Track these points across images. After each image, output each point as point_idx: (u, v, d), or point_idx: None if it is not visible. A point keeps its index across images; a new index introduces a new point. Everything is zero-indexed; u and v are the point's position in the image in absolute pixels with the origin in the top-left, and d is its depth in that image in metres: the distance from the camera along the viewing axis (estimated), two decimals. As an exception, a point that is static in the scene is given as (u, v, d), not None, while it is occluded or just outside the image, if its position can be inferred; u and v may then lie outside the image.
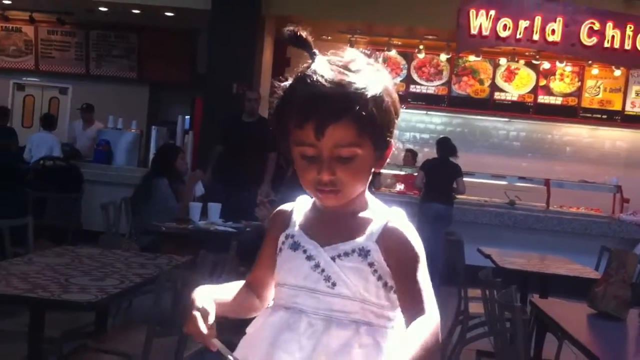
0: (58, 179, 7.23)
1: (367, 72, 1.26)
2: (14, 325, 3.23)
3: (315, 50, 1.29)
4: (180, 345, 2.81)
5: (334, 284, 1.27)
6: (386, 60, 9.80)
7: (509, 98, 9.60)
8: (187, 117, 9.47)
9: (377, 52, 9.10)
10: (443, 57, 9.51)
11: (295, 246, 1.33)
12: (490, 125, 10.07)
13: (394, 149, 1.34)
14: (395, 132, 1.31)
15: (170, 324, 2.83)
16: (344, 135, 1.21)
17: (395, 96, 1.30)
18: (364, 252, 1.28)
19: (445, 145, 7.52)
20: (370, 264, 1.27)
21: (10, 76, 10.36)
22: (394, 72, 9.74)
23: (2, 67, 10.19)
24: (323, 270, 1.29)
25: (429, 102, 9.82)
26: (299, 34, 1.29)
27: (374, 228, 1.30)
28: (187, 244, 4.51)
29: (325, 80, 1.22)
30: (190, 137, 8.68)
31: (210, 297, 1.29)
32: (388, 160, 1.32)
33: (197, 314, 1.24)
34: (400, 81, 9.69)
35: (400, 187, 8.64)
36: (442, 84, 9.78)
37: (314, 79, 1.22)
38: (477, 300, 4.47)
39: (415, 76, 9.79)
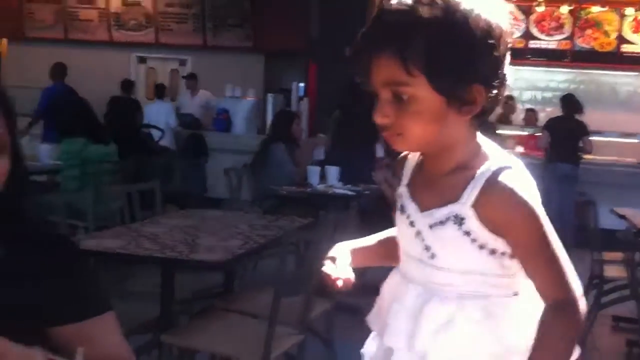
0: (183, 146, 7.48)
1: (439, 5, 1.05)
2: (145, 286, 3.36)
3: None
4: (307, 305, 2.81)
5: (433, 255, 1.16)
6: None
7: (637, 50, 8.98)
8: (301, 84, 9.51)
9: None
10: (564, 9, 9.01)
11: (402, 209, 1.22)
12: (618, 80, 9.48)
13: (491, 94, 1.10)
14: (503, 78, 1.11)
15: (295, 284, 2.83)
16: (388, 72, 1.06)
17: (496, 31, 1.08)
18: (458, 220, 1.12)
19: (570, 102, 7.14)
20: (467, 233, 1.12)
21: (132, 49, 10.74)
22: (512, 27, 9.34)
23: (124, 40, 10.58)
24: (423, 239, 1.17)
25: (550, 57, 9.35)
26: None
27: (473, 187, 1.11)
28: (306, 208, 4.54)
29: (388, 7, 1.07)
30: (305, 104, 8.71)
31: (346, 248, 1.26)
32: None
33: (327, 262, 1.21)
34: (519, 37, 9.28)
35: (520, 149, 8.32)
36: (564, 38, 9.28)
37: (382, 5, 1.09)
38: (611, 264, 4.23)
39: (534, 31, 9.33)
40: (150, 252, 2.78)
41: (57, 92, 7.56)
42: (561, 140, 7.00)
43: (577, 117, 7.04)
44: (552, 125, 7.24)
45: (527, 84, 9.69)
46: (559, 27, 9.31)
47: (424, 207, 1.17)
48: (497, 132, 7.02)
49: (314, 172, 5.08)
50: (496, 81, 1.10)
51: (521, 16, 9.31)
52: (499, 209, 1.09)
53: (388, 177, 5.33)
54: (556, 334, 1.05)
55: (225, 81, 9.34)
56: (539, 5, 8.86)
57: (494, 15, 1.09)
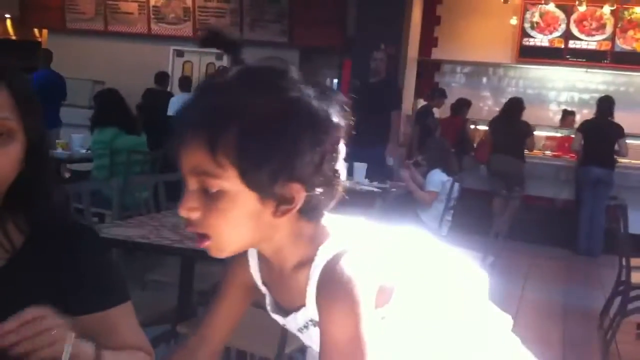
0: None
1: (261, 90, 0.93)
2: (165, 277, 3.40)
3: (241, 54, 1.04)
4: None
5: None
6: (543, 15, 9.27)
7: (681, 53, 8.77)
8: (335, 80, 9.51)
9: (533, 7, 8.60)
10: (607, 9, 8.84)
11: (270, 310, 1.13)
12: (660, 83, 9.26)
13: (313, 193, 0.95)
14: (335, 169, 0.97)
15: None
16: (195, 160, 0.92)
17: (322, 125, 0.94)
18: (315, 323, 1.02)
19: (606, 104, 7.01)
20: None
21: (170, 43, 10.85)
22: (552, 26, 9.19)
23: (162, 34, 10.70)
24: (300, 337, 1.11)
25: (589, 58, 9.19)
26: (215, 33, 1.05)
27: (312, 286, 0.99)
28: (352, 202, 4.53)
29: (207, 85, 0.98)
30: (339, 100, 8.70)
31: None
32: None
33: None
34: (558, 37, 9.13)
35: (550, 152, 8.19)
36: (605, 39, 9.11)
37: (202, 82, 1.00)
38: (639, 270, 4.16)
39: (575, 31, 9.19)
40: (171, 242, 2.81)
41: (44, 78, 7.66)
42: (595, 143, 6.88)
43: (613, 119, 6.91)
44: (585, 127, 7.12)
45: (565, 84, 9.54)
46: (600, 28, 9.14)
47: (284, 311, 1.08)
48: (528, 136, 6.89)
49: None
50: (320, 179, 0.95)
51: (562, 16, 9.17)
52: (325, 298, 0.95)
53: (414, 175, 5.32)
54: None
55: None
56: (580, 4, 8.71)
57: (322, 106, 0.95)
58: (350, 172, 5.08)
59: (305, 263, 0.99)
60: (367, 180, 5.07)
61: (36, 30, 11.57)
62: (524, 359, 1.18)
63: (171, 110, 7.78)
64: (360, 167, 5.09)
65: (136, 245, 2.83)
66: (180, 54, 11.10)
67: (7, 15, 12.02)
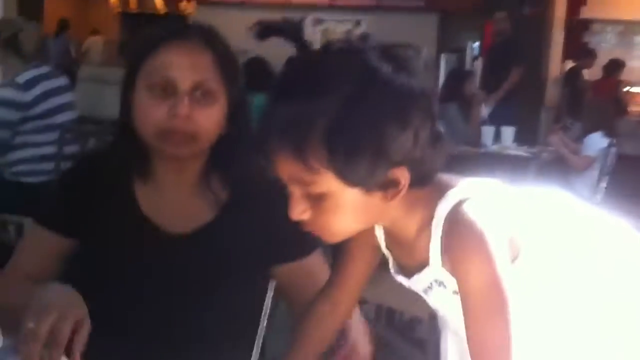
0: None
1: (335, 84, 0.88)
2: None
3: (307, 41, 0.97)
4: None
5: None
6: None
7: None
8: (476, 43, 9.25)
9: None
10: None
11: (394, 271, 1.11)
12: None
13: (419, 167, 0.92)
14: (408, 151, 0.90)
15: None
16: (290, 171, 0.91)
17: (409, 104, 0.89)
18: (439, 283, 1.00)
19: None
20: (455, 292, 0.97)
21: (307, 11, 10.97)
22: None
23: (300, 2, 10.83)
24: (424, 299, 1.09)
25: None
26: (267, 25, 1.02)
27: (434, 245, 0.97)
28: (479, 169, 4.45)
29: (281, 99, 0.92)
30: (480, 63, 8.47)
31: None
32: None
33: None
34: None
35: None
36: None
37: (276, 96, 0.94)
38: None
39: None
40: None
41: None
42: None
43: None
44: None
45: None
46: None
47: (408, 272, 1.06)
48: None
49: (488, 132, 4.95)
50: (421, 152, 0.91)
51: None
52: (456, 248, 0.93)
53: (564, 139, 5.09)
54: None
55: (398, 41, 9.29)
56: None
57: (402, 81, 0.89)
58: (497, 136, 4.95)
59: (425, 224, 0.97)
60: (514, 144, 4.91)
61: (183, 4, 12.06)
62: None
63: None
64: (508, 131, 4.94)
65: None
66: (317, 22, 11.20)
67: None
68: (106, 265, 1.21)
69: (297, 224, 1.22)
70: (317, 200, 0.92)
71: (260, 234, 1.24)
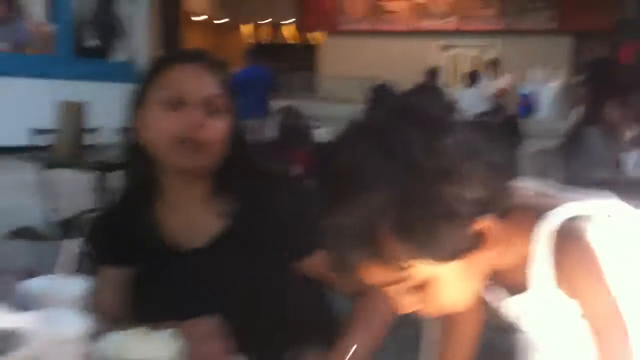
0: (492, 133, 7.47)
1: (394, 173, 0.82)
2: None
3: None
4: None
5: None
6: None
7: None
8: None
9: None
10: None
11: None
12: None
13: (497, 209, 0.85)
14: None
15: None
16: (379, 275, 0.87)
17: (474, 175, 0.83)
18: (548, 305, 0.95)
19: None
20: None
21: (435, 38, 11.00)
22: None
23: (428, 29, 10.88)
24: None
25: None
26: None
27: (538, 262, 0.91)
28: (618, 196, 4.26)
29: (339, 220, 0.85)
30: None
31: None
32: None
33: None
34: None
35: None
36: None
37: (333, 218, 0.88)
38: None
39: None
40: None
41: (251, 72, 8.03)
42: None
43: None
44: None
45: None
46: None
47: (507, 289, 1.00)
48: None
49: (629, 157, 4.75)
50: (490, 194, 0.85)
51: None
52: (570, 270, 0.88)
53: None
54: None
55: (527, 65, 9.12)
56: None
57: (444, 150, 0.83)
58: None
59: (522, 255, 0.91)
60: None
61: (311, 34, 12.45)
62: None
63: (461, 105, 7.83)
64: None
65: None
66: (445, 48, 11.19)
67: (284, 22, 13.06)
68: (140, 289, 1.28)
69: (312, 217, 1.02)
70: (422, 290, 0.87)
71: (277, 235, 1.26)
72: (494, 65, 9.36)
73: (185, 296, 1.16)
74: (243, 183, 1.29)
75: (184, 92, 1.23)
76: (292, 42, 13.11)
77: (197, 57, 1.30)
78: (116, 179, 4.96)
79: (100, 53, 8.95)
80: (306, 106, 8.22)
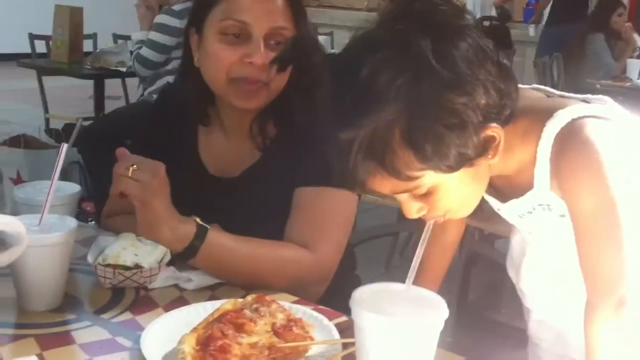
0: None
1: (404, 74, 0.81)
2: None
3: None
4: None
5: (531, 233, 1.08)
6: None
7: None
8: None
9: None
10: None
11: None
12: None
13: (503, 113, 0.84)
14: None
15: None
16: (389, 186, 0.86)
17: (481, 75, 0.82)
18: (545, 206, 0.96)
19: None
20: (562, 216, 0.94)
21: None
22: None
23: None
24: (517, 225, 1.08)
25: None
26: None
27: (542, 168, 0.92)
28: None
29: (343, 134, 0.85)
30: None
31: None
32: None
33: None
34: None
35: None
36: None
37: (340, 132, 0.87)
38: None
39: None
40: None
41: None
42: None
43: None
44: None
45: None
46: None
47: (503, 197, 1.01)
48: None
49: (634, 65, 4.68)
50: (497, 98, 0.85)
51: None
52: (565, 168, 0.88)
53: None
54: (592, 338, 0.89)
55: None
56: None
57: (449, 55, 0.82)
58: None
59: (530, 153, 0.92)
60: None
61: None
62: None
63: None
64: (635, 64, 4.64)
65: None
66: None
67: None
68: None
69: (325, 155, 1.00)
70: (429, 196, 0.89)
71: (296, 161, 1.16)
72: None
73: (205, 218, 1.07)
74: (288, 116, 1.16)
75: (246, 23, 1.10)
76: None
77: None
78: (113, 87, 4.94)
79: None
80: (310, 13, 7.98)
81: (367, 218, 2.33)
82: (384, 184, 0.85)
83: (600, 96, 0.95)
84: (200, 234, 1.01)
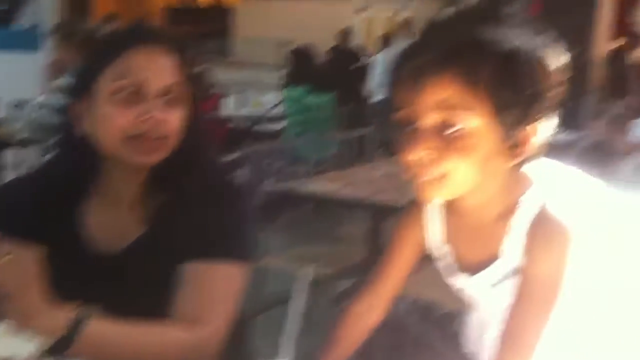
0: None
1: (514, 26, 0.95)
2: (355, 230, 3.52)
3: None
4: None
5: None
6: None
7: None
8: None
9: None
10: None
11: (444, 270, 1.15)
12: None
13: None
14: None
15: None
16: (448, 93, 0.91)
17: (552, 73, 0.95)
18: (517, 271, 1.00)
19: None
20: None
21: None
22: None
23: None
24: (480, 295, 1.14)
25: None
26: None
27: (518, 236, 0.99)
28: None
29: (448, 24, 0.98)
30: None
31: None
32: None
33: None
34: None
35: None
36: None
37: (438, 20, 1.01)
38: None
39: None
40: (362, 197, 2.88)
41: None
42: None
43: None
44: None
45: None
46: None
47: (470, 268, 1.07)
48: None
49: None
50: (543, 124, 0.96)
51: None
52: (540, 237, 0.97)
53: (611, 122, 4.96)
54: None
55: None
56: None
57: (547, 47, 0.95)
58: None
59: (506, 213, 0.99)
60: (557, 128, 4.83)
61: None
62: None
63: (380, 68, 7.85)
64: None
65: (328, 199, 2.96)
66: (360, 10, 11.13)
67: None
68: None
69: (227, 224, 1.16)
70: (451, 139, 0.91)
71: (192, 236, 1.15)
72: (408, 25, 9.36)
73: (89, 298, 1.05)
74: (180, 178, 1.17)
75: (141, 82, 1.10)
76: (207, 5, 12.79)
77: (152, 37, 1.14)
78: (13, 156, 4.81)
79: (6, 18, 8.49)
80: (220, 71, 8.05)
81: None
82: (444, 89, 0.89)
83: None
84: (78, 322, 0.99)
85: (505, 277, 1.03)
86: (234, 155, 3.43)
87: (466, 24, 0.93)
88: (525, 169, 1.00)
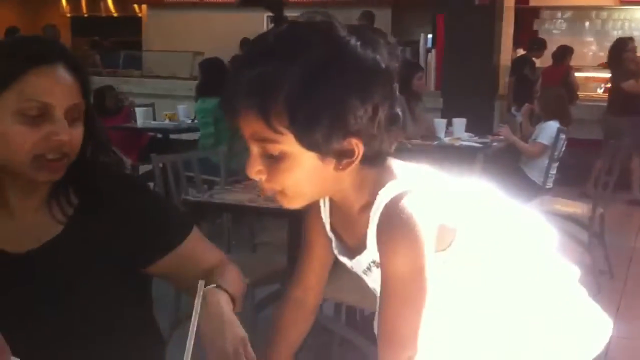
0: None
1: (303, 50, 0.92)
2: (274, 238, 3.53)
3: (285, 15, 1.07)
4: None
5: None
6: None
7: None
8: (429, 35, 9.33)
9: None
10: None
11: (336, 252, 1.19)
12: None
13: (374, 142, 0.97)
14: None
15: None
16: (253, 128, 0.94)
17: (370, 79, 0.93)
18: (377, 264, 1.05)
19: None
20: None
21: (263, 10, 10.94)
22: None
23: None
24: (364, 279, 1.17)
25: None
26: None
27: (372, 229, 1.03)
28: (432, 160, 4.52)
29: (246, 58, 0.96)
30: (433, 55, 8.57)
31: None
32: None
33: None
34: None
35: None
36: None
37: (240, 57, 1.00)
38: None
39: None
40: (278, 205, 2.89)
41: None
42: None
43: None
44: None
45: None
46: None
47: (351, 253, 1.12)
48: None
49: (440, 124, 5.05)
50: (377, 128, 0.96)
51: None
52: (386, 237, 0.99)
53: (515, 129, 5.19)
54: None
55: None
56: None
57: (368, 56, 0.94)
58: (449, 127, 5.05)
59: (367, 207, 1.02)
60: (468, 135, 5.01)
61: (136, 6, 11.96)
62: (586, 309, 1.19)
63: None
64: (459, 123, 5.04)
65: (245, 209, 2.95)
66: (271, 19, 11.19)
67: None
68: None
69: (164, 215, 1.28)
70: (275, 161, 0.96)
71: (121, 234, 1.22)
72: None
73: (7, 300, 1.07)
74: (87, 183, 1.22)
75: (47, 104, 1.11)
76: (115, 15, 12.55)
77: (52, 57, 1.14)
78: None
79: None
80: (133, 83, 7.90)
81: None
82: (251, 123, 0.93)
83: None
84: None
85: (370, 267, 1.07)
86: (151, 165, 3.35)
87: (262, 57, 0.93)
88: (393, 165, 1.04)
